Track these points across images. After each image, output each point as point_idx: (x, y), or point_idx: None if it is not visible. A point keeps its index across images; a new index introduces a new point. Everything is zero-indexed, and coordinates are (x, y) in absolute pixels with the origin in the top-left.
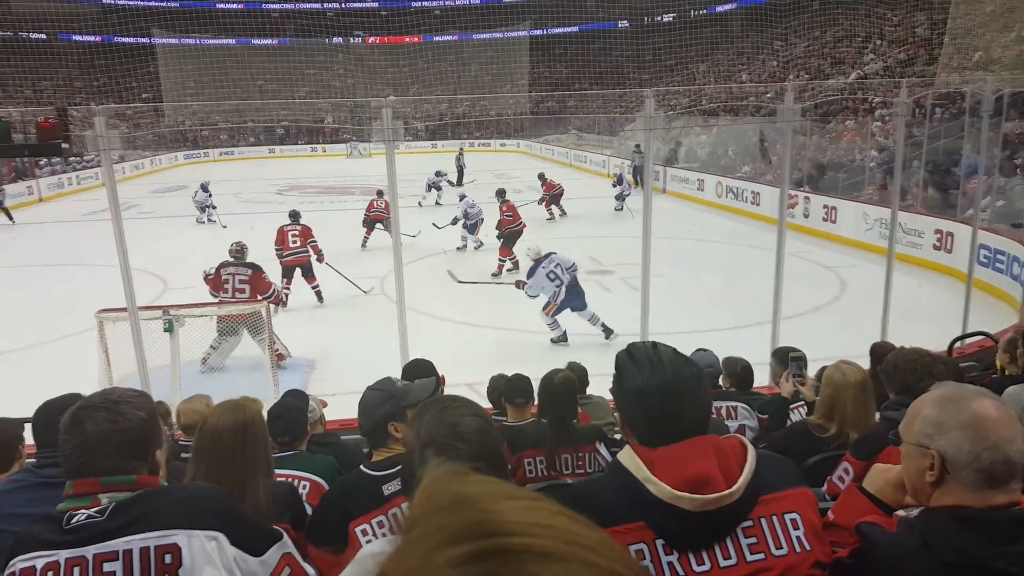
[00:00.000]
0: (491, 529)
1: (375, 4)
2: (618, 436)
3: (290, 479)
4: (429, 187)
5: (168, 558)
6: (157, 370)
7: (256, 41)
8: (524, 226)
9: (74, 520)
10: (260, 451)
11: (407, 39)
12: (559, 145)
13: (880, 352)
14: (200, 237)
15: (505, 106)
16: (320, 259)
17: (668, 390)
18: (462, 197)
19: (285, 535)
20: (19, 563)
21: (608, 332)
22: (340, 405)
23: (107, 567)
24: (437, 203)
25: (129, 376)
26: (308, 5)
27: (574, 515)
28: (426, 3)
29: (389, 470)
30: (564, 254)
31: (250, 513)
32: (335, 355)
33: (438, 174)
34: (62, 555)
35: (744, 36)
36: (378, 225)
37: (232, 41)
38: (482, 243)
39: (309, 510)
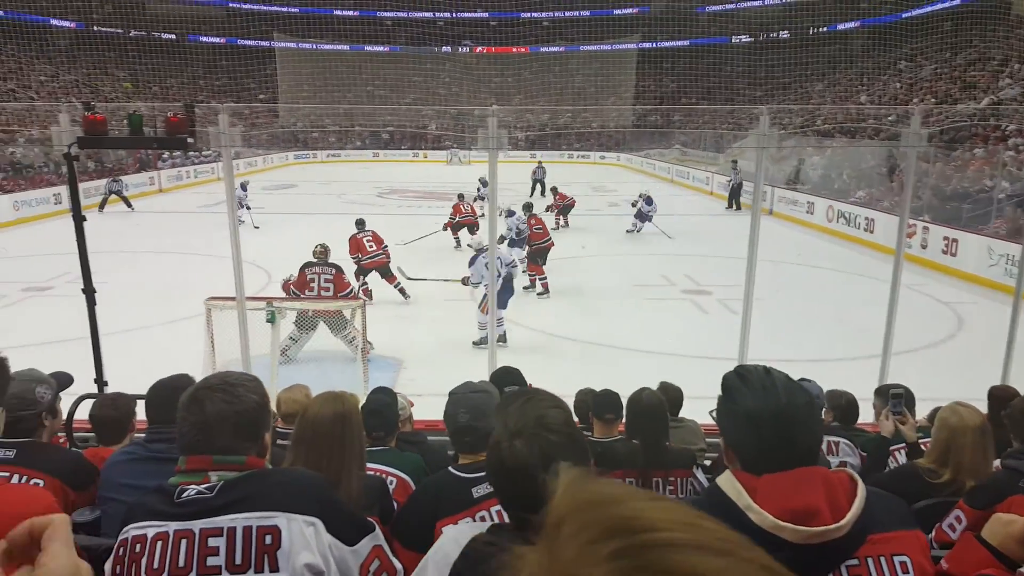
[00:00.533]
0: (643, 525)
1: (485, 15)
2: (707, 463)
3: (379, 474)
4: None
5: (268, 539)
6: (254, 359)
7: (369, 48)
8: (552, 244)
9: (184, 494)
10: (356, 443)
11: (514, 49)
12: (661, 160)
13: (1000, 396)
14: (305, 234)
15: (607, 118)
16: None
17: (781, 415)
18: (510, 213)
19: (377, 527)
20: (132, 530)
21: (482, 342)
22: (426, 406)
23: (212, 542)
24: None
25: (231, 363)
26: (420, 14)
27: (712, 517)
28: (535, 14)
29: (479, 473)
30: (506, 250)
31: (346, 503)
32: (424, 357)
33: (483, 182)
34: (171, 527)
35: (866, 56)
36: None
37: (346, 47)
38: (523, 261)
39: (395, 506)
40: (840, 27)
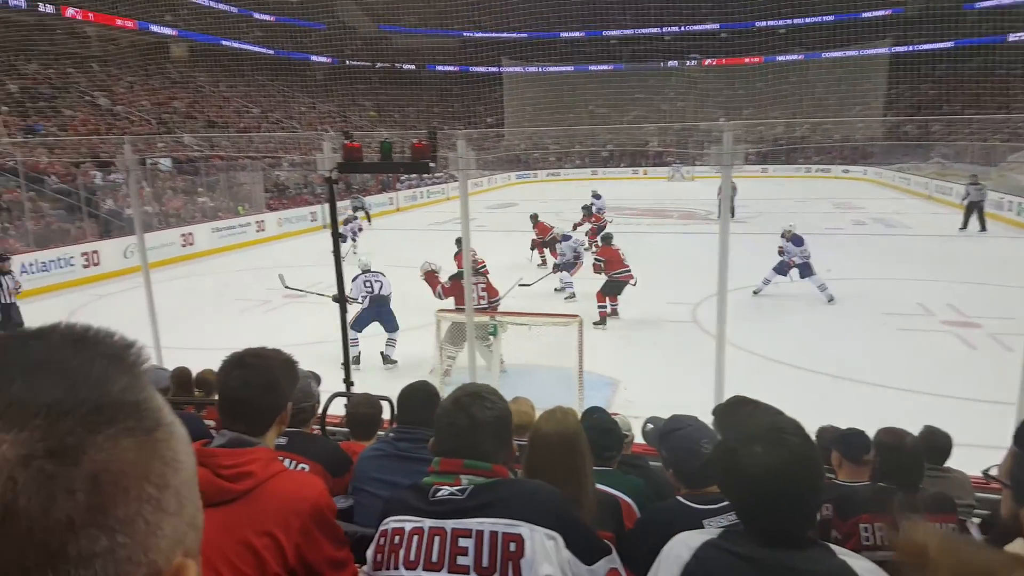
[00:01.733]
0: None
1: (715, 26)
2: (976, 520)
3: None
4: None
5: (512, 546)
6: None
7: (592, 67)
8: (632, 277)
9: (438, 494)
10: (588, 461)
11: (746, 60)
12: (918, 174)
13: None
14: (519, 252)
15: (852, 130)
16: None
17: None
18: (566, 237)
19: (614, 550)
20: (392, 522)
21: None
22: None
23: (462, 542)
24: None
25: (457, 370)
26: (647, 30)
27: None
28: (771, 23)
29: (711, 505)
30: (388, 281)
31: (585, 522)
32: (642, 378)
33: (596, 195)
34: (426, 523)
35: None
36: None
37: (571, 68)
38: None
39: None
40: None
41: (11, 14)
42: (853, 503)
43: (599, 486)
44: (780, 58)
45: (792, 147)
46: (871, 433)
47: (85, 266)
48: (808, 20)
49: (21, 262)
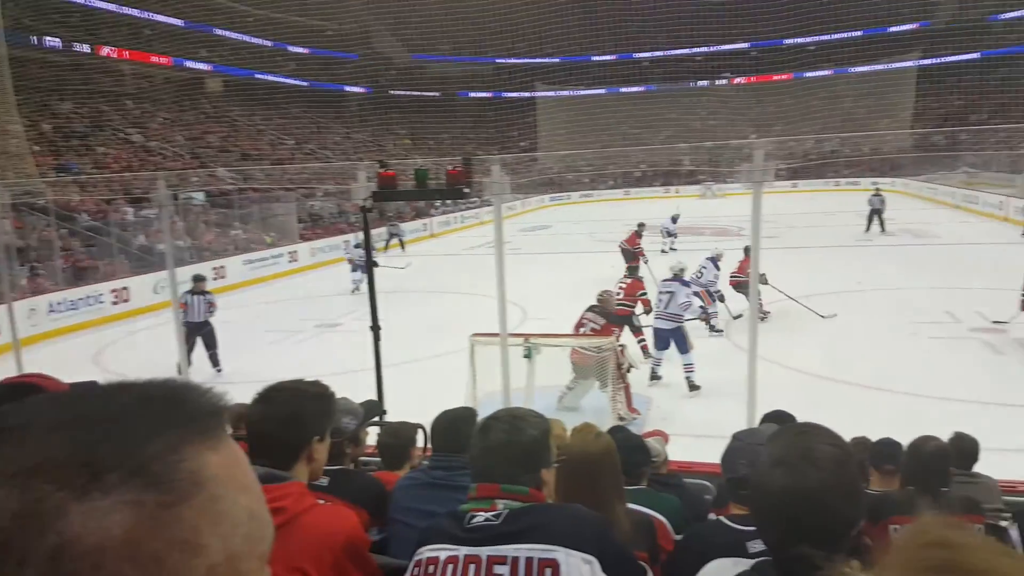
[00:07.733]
0: (964, 568)
1: (745, 45)
2: (1004, 524)
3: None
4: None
5: (548, 572)
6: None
7: (624, 89)
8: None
9: (474, 520)
10: (616, 480)
11: (775, 77)
12: (945, 184)
13: None
14: (553, 274)
15: (881, 143)
16: (648, 311)
17: None
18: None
19: (649, 572)
20: (426, 551)
21: None
22: (680, 447)
23: (497, 569)
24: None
25: (492, 394)
26: (678, 51)
27: None
28: (800, 40)
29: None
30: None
31: (623, 545)
32: (675, 396)
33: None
34: (462, 551)
35: None
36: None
37: (603, 91)
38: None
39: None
40: None
41: (47, 54)
42: (884, 508)
43: (632, 505)
44: (809, 74)
45: (822, 162)
46: (905, 442)
47: (114, 303)
48: (837, 36)
49: (49, 301)
